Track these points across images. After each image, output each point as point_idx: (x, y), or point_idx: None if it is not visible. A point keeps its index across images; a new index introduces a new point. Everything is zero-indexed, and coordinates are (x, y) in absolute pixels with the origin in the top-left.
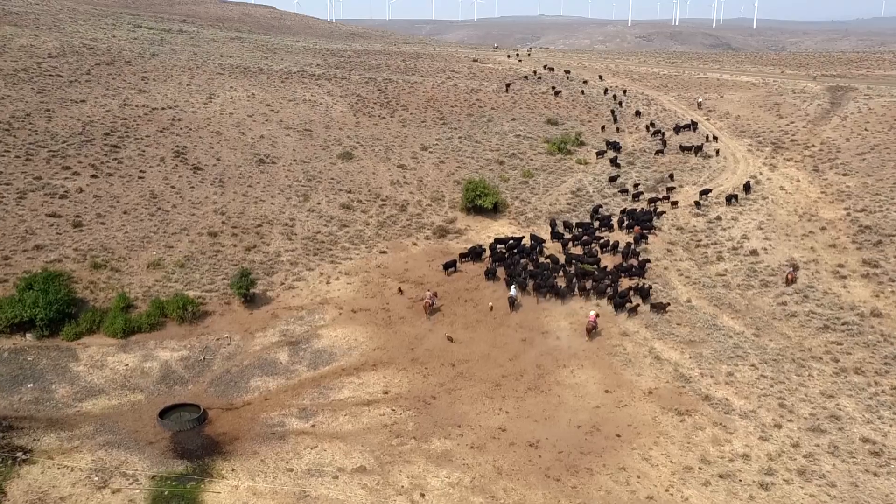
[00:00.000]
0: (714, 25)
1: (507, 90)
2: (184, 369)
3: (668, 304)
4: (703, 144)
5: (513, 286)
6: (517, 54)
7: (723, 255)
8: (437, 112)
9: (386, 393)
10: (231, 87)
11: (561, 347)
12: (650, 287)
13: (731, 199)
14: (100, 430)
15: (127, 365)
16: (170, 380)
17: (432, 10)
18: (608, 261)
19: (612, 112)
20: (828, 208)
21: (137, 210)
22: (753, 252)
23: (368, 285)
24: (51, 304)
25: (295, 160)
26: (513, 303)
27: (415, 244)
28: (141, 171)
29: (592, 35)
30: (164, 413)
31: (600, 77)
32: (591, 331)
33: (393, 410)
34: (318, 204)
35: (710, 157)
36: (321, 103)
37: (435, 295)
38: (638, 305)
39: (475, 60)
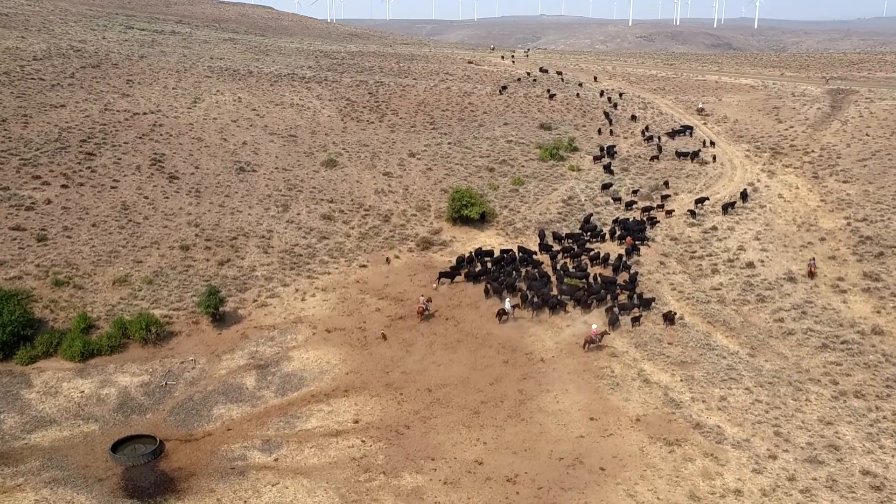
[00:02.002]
0: (715, 25)
1: (501, 93)
2: (143, 396)
3: (676, 313)
4: (699, 150)
5: (507, 300)
6: (512, 56)
7: (718, 267)
8: (427, 116)
9: (356, 422)
10: (218, 91)
11: (545, 370)
12: (653, 298)
13: (727, 207)
14: (47, 464)
15: (83, 392)
16: (127, 408)
17: (433, 10)
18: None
19: (608, 116)
20: (827, 217)
21: (107, 222)
22: (750, 264)
23: (345, 302)
24: (4, 325)
25: (277, 168)
26: (502, 315)
27: (397, 257)
28: (114, 181)
29: (593, 35)
30: (117, 446)
31: (595, 79)
32: (589, 344)
33: (363, 442)
34: (298, 215)
35: (706, 163)
36: (309, 107)
37: (429, 300)
38: (641, 315)
39: (470, 62)
